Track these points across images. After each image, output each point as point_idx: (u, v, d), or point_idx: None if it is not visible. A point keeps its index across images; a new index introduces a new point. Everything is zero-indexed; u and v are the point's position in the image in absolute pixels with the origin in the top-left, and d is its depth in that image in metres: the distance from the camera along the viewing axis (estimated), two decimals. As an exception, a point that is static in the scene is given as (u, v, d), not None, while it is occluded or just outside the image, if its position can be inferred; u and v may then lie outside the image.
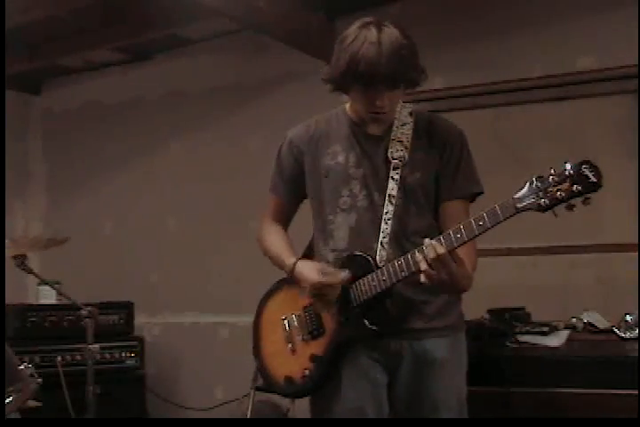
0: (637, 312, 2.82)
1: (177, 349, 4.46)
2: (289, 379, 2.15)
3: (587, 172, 1.73)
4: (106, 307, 3.79)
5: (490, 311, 3.08)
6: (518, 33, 3.87)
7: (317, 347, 2.12)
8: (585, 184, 1.73)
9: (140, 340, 3.98)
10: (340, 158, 2.15)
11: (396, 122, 2.14)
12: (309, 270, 2.08)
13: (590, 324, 3.00)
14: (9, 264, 3.01)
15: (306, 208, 2.31)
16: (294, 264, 2.13)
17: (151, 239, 4.71)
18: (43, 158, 5.20)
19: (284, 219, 2.33)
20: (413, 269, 1.92)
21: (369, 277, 2.02)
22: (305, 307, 2.16)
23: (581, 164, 1.73)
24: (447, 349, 2.11)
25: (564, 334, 2.91)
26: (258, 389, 3.65)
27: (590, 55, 3.70)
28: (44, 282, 3.34)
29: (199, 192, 4.57)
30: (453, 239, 1.88)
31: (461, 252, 1.92)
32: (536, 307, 3.20)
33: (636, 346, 2.66)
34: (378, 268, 2.02)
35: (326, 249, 2.17)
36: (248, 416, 3.73)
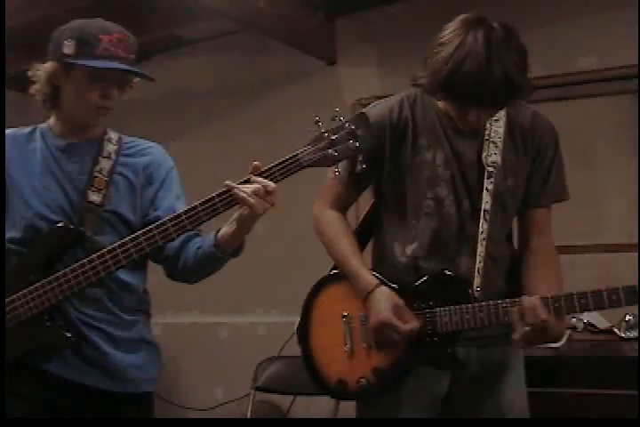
0: (637, 312, 2.82)
1: (177, 349, 4.46)
2: (342, 383, 1.97)
3: None
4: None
5: (490, 311, 3.07)
6: (518, 33, 3.86)
7: (381, 359, 1.94)
8: None
9: (140, 340, 4.03)
10: (428, 156, 1.93)
11: None
12: (385, 304, 1.88)
13: (590, 324, 3.00)
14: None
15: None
16: (374, 289, 1.91)
17: (151, 239, 4.70)
18: (43, 158, 5.22)
19: (346, 208, 2.09)
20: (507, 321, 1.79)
21: (463, 308, 1.85)
22: (370, 326, 1.94)
23: None
24: (514, 356, 1.99)
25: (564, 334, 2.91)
26: (258, 389, 3.64)
27: (590, 55, 3.70)
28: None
29: (199, 192, 4.56)
30: (563, 307, 1.75)
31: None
32: (536, 307, 3.19)
33: (636, 346, 2.66)
34: (475, 299, 1.86)
35: (400, 252, 1.98)
36: (248, 416, 3.72)
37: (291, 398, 3.62)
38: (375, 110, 1.97)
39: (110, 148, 1.98)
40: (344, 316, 1.99)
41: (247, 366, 3.72)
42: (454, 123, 1.91)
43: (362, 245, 2.09)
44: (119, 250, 1.77)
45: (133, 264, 1.92)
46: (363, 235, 2.12)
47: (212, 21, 4.21)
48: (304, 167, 1.71)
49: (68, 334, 1.84)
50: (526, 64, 1.80)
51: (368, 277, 1.94)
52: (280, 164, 1.71)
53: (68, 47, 1.86)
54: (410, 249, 1.96)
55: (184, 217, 1.76)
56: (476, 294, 1.88)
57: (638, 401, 2.44)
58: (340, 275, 2.04)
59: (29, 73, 1.94)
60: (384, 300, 1.89)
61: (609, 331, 2.91)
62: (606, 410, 2.53)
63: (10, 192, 1.91)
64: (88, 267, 1.78)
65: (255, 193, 1.70)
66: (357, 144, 1.68)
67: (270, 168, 1.71)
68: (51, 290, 1.81)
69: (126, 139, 2.05)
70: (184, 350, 4.48)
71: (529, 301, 1.76)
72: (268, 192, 1.71)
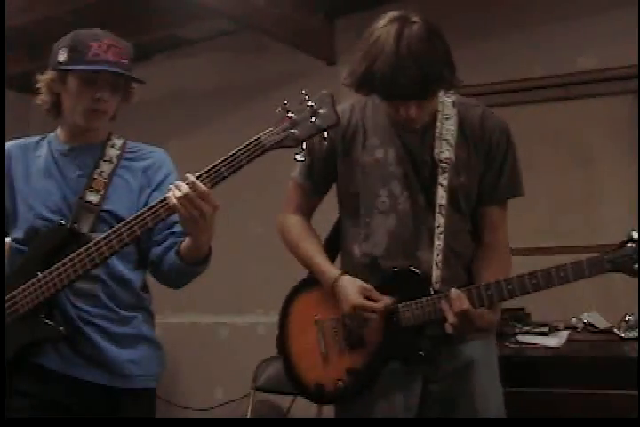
0: (637, 312, 2.83)
1: (177, 349, 4.46)
2: (319, 386, 2.01)
3: None
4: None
5: (490, 311, 3.08)
6: (519, 33, 3.87)
7: (355, 359, 1.97)
8: None
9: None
10: (379, 154, 1.97)
11: (439, 114, 1.96)
12: (352, 289, 1.92)
13: (590, 324, 3.00)
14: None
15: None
16: (337, 278, 1.96)
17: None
18: (43, 158, 5.22)
19: (310, 212, 2.14)
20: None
21: (424, 301, 1.89)
22: (345, 314, 1.98)
23: None
24: (483, 350, 2.02)
25: (564, 334, 2.91)
26: (258, 389, 3.65)
27: (590, 55, 3.70)
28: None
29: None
30: (485, 297, 1.81)
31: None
32: (536, 307, 3.19)
33: (636, 346, 2.66)
34: (435, 291, 1.90)
35: (358, 251, 2.02)
36: (248, 416, 3.73)
37: (291, 398, 3.62)
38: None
39: (113, 152, 2.04)
40: (316, 320, 2.03)
41: (247, 366, 3.73)
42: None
43: (334, 251, 2.13)
44: (112, 236, 1.80)
45: (134, 262, 1.99)
46: (333, 242, 2.15)
47: (212, 21, 4.21)
48: (268, 149, 1.70)
49: (60, 328, 1.87)
50: (446, 57, 1.81)
51: (331, 270, 1.99)
52: (244, 147, 1.71)
53: (62, 55, 1.95)
54: (367, 248, 1.99)
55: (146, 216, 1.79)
56: (437, 287, 1.90)
57: (638, 401, 2.44)
58: (311, 280, 2.08)
59: (36, 85, 2.02)
60: (350, 286, 1.93)
61: (609, 331, 2.91)
62: (606, 410, 2.53)
63: (16, 196, 2.00)
64: (84, 255, 1.82)
65: (185, 197, 1.71)
66: (320, 122, 1.66)
67: (235, 152, 1.71)
68: (50, 280, 1.85)
69: (131, 144, 2.11)
70: (184, 350, 4.48)
71: (455, 292, 1.82)
72: (200, 195, 1.71)
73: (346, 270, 2.01)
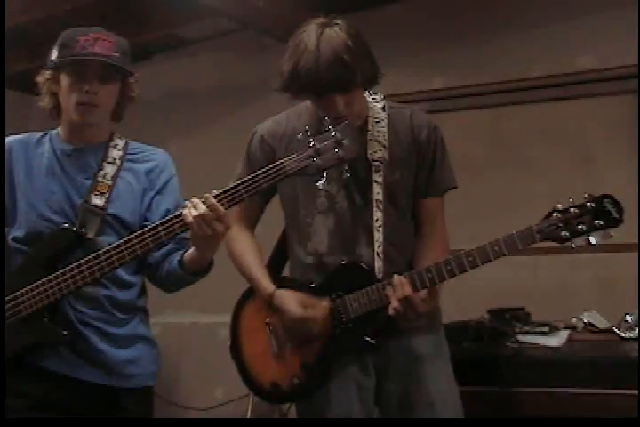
0: (637, 312, 2.82)
1: (177, 349, 4.46)
2: (275, 385, 2.08)
3: (609, 207, 1.76)
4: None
5: (490, 311, 3.08)
6: (518, 33, 3.87)
7: (307, 355, 2.05)
8: (606, 219, 1.76)
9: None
10: None
11: (370, 119, 2.07)
12: (290, 302, 2.01)
13: (590, 324, 3.00)
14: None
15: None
16: (272, 293, 2.05)
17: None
18: (43, 158, 5.21)
19: (253, 222, 2.23)
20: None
21: (368, 290, 1.98)
22: (287, 326, 2.06)
23: (603, 197, 1.77)
24: (432, 345, 2.10)
25: (564, 334, 2.91)
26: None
27: (590, 55, 3.71)
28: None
29: (199, 192, 4.56)
30: (426, 280, 1.90)
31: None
32: (536, 307, 3.19)
33: (636, 346, 2.66)
34: (378, 280, 1.98)
35: (302, 251, 2.11)
36: (248, 416, 3.73)
37: (291, 398, 3.62)
38: (265, 125, 2.16)
39: (115, 153, 2.03)
40: (267, 323, 2.09)
41: (247, 366, 3.72)
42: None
43: (283, 261, 2.23)
44: (124, 246, 1.81)
45: (134, 266, 1.99)
46: (282, 252, 2.25)
47: (212, 21, 4.22)
48: (289, 176, 1.74)
49: (64, 332, 1.88)
50: (366, 51, 1.94)
51: (266, 285, 2.08)
52: (265, 171, 1.74)
53: (53, 53, 1.97)
54: (311, 248, 2.09)
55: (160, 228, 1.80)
56: (380, 277, 1.99)
57: (638, 401, 2.44)
58: None
59: (37, 86, 2.03)
60: (288, 299, 2.02)
61: (609, 331, 2.91)
62: (606, 410, 2.53)
63: (17, 194, 1.98)
64: (93, 262, 1.83)
65: (202, 217, 1.73)
66: (342, 153, 1.70)
67: (256, 175, 1.74)
68: (56, 285, 1.86)
69: (133, 145, 2.11)
70: (184, 350, 4.48)
71: (397, 278, 1.91)
72: (217, 217, 1.73)
73: (281, 285, 2.07)
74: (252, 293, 2.18)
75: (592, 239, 1.80)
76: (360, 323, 1.99)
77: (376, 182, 2.01)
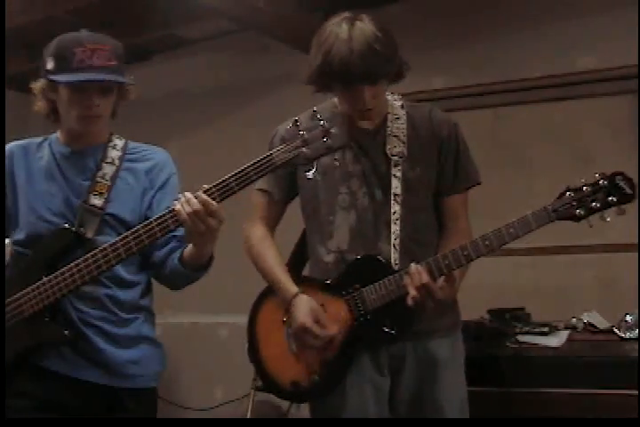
0: (637, 312, 2.82)
1: (177, 349, 4.46)
2: (295, 384, 2.08)
3: (621, 183, 1.81)
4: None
5: (490, 311, 3.08)
6: (518, 33, 3.87)
7: (326, 351, 2.04)
8: (620, 195, 1.80)
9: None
10: (337, 155, 2.07)
11: (389, 116, 2.10)
12: (304, 310, 2.01)
13: (590, 324, 3.00)
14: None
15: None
16: (294, 296, 2.05)
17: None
18: (43, 158, 5.21)
19: (274, 222, 2.23)
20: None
21: (385, 281, 1.99)
22: (293, 331, 2.07)
23: (615, 174, 1.82)
24: (449, 349, 2.10)
25: (564, 334, 2.91)
26: (258, 389, 3.65)
27: (590, 55, 3.71)
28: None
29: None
30: (443, 266, 1.92)
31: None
32: (536, 307, 3.19)
33: (636, 346, 2.66)
34: (395, 272, 1.99)
35: (324, 250, 2.12)
36: (248, 416, 3.73)
37: (291, 398, 3.62)
38: (286, 125, 2.13)
39: (114, 154, 2.03)
40: (284, 321, 2.09)
41: (247, 366, 3.70)
42: (357, 124, 2.07)
43: (301, 264, 2.23)
44: (119, 244, 1.81)
45: (136, 265, 2.00)
46: (300, 254, 2.25)
47: (212, 21, 4.21)
48: (279, 166, 1.73)
49: (66, 331, 1.88)
50: (394, 45, 1.97)
51: (289, 287, 2.07)
52: (254, 163, 1.73)
53: (49, 64, 1.93)
54: (332, 245, 2.09)
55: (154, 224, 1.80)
56: (396, 268, 2.00)
57: (638, 401, 2.44)
58: None
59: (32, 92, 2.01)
60: (302, 306, 2.01)
61: (609, 331, 2.90)
62: (606, 410, 2.53)
63: (18, 198, 1.99)
64: (91, 261, 1.83)
65: (195, 213, 1.72)
66: (331, 142, 1.70)
67: (246, 168, 1.73)
68: (56, 284, 1.86)
69: (132, 145, 2.10)
70: (184, 350, 4.48)
71: (414, 266, 1.92)
72: (210, 212, 1.73)
73: (302, 290, 2.06)
74: (266, 295, 2.18)
75: (607, 217, 1.83)
76: (379, 314, 2.00)
77: (394, 177, 2.04)
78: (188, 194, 1.75)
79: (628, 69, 3.58)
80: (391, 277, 1.98)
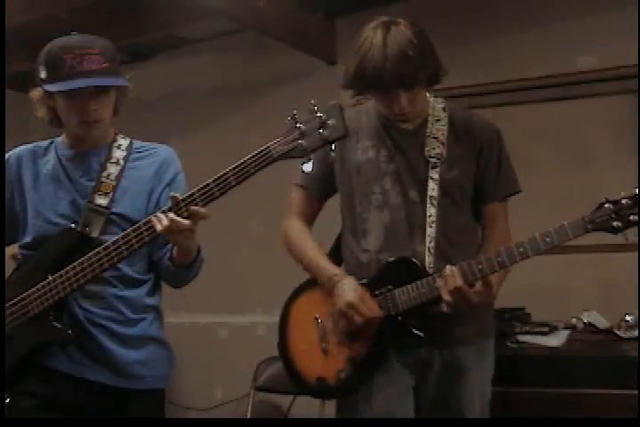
0: (637, 312, 2.83)
1: (177, 349, 4.45)
2: (321, 380, 2.09)
3: None
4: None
5: (490, 311, 3.08)
6: (518, 33, 3.87)
7: (354, 350, 2.05)
8: None
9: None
10: (371, 153, 2.09)
11: (430, 117, 2.10)
12: (351, 289, 2.01)
13: (590, 324, 3.00)
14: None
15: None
16: (341, 277, 2.05)
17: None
18: (43, 158, 5.21)
19: (312, 217, 2.24)
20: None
21: (418, 283, 1.98)
22: (336, 310, 2.06)
23: None
24: (477, 356, 2.08)
25: (564, 334, 2.91)
26: (258, 389, 3.65)
27: (590, 55, 3.70)
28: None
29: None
30: (476, 271, 1.90)
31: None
32: (536, 307, 3.20)
33: (636, 346, 2.66)
34: (428, 275, 1.98)
35: (358, 248, 2.11)
36: (248, 416, 3.73)
37: (291, 398, 3.63)
38: None
39: (119, 154, 2.04)
40: (316, 318, 2.11)
41: (247, 366, 3.73)
42: (396, 124, 2.08)
43: (337, 262, 2.20)
44: (121, 241, 1.82)
45: (144, 264, 2.01)
46: (336, 253, 2.24)
47: (212, 21, 4.21)
48: (276, 159, 1.72)
49: (69, 331, 1.88)
50: (430, 49, 2.01)
51: (334, 270, 2.08)
52: (252, 157, 1.73)
53: (42, 73, 1.94)
54: (366, 244, 2.09)
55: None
56: (430, 271, 1.99)
57: (638, 401, 2.44)
58: (311, 282, 2.16)
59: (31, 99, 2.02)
60: (349, 287, 2.01)
61: (609, 331, 2.91)
62: (606, 410, 2.53)
63: (26, 202, 2.00)
64: (94, 259, 1.84)
65: (167, 230, 1.75)
66: (327, 134, 1.67)
67: (243, 162, 1.73)
68: (60, 284, 1.87)
69: (137, 144, 2.12)
70: (184, 350, 4.46)
71: (449, 268, 1.91)
72: (179, 226, 1.75)
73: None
74: (300, 291, 2.19)
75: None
76: (409, 316, 2.00)
77: (432, 179, 2.03)
78: (159, 215, 1.76)
79: (628, 69, 3.58)
80: (424, 279, 1.98)
